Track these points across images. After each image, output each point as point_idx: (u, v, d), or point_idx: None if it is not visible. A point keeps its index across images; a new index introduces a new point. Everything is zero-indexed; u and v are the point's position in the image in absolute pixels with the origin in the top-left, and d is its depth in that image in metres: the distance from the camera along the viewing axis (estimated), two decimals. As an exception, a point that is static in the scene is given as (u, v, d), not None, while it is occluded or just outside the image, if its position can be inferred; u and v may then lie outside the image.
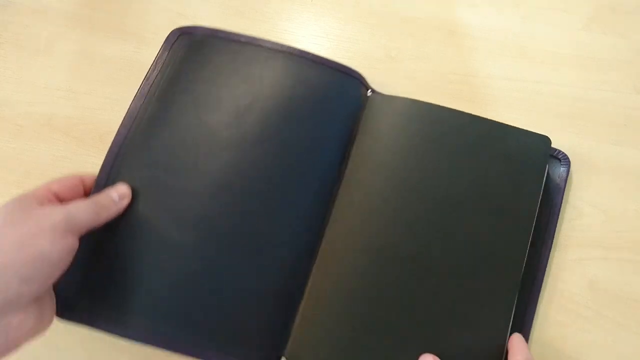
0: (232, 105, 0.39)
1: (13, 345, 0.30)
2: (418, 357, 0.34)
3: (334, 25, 0.50)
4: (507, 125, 0.40)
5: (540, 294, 0.39)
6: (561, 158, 0.42)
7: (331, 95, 0.41)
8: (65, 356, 0.40)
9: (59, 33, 0.50)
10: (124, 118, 0.39)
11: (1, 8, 0.52)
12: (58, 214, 0.32)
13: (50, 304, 0.33)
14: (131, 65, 0.48)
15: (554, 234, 0.40)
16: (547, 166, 0.40)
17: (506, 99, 0.46)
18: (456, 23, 0.49)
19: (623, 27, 0.47)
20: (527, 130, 0.40)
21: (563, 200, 0.42)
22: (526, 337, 0.37)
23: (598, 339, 0.38)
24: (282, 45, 0.42)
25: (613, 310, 0.39)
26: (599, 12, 0.48)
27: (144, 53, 0.49)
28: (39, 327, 0.32)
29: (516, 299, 0.36)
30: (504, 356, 0.35)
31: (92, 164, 0.44)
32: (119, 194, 0.36)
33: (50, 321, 0.33)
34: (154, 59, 0.42)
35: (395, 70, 0.46)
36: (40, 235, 0.30)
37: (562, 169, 0.41)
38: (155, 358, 0.40)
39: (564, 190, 0.41)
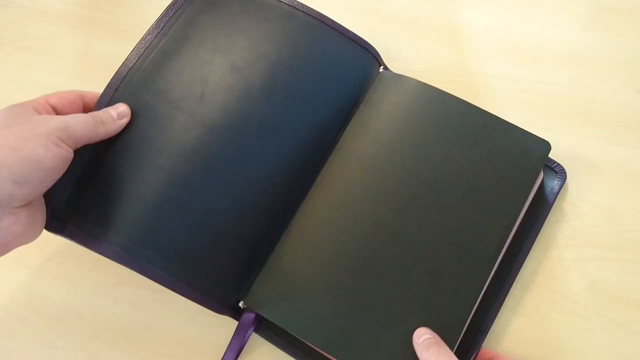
0: (245, 52, 0.40)
1: (1, 247, 0.31)
2: (373, 326, 0.35)
3: (334, 25, 0.50)
4: (510, 123, 0.40)
5: (540, 294, 0.39)
6: (558, 171, 0.42)
7: (343, 62, 0.42)
8: (65, 356, 0.40)
9: (59, 33, 0.51)
10: (137, 44, 0.39)
11: (1, 8, 0.52)
12: (55, 122, 0.32)
13: (42, 213, 0.33)
14: (131, 65, 0.48)
15: (534, 241, 0.40)
16: (542, 173, 0.40)
17: (506, 99, 0.46)
18: (456, 23, 0.49)
19: (623, 27, 0.47)
20: (529, 132, 0.40)
21: (563, 200, 0.42)
22: (487, 328, 0.37)
23: (598, 339, 0.38)
24: (307, 7, 0.43)
25: (613, 310, 0.39)
26: (599, 12, 0.48)
27: (144, 53, 0.49)
28: (29, 234, 0.32)
29: (481, 294, 0.36)
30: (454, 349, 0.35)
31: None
32: (118, 113, 0.36)
33: (40, 231, 0.33)
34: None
35: (395, 71, 0.46)
36: (35, 140, 0.30)
37: (555, 181, 0.41)
38: (156, 357, 0.40)
39: (552, 202, 0.41)
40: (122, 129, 0.36)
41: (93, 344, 0.40)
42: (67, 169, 0.33)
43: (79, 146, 0.34)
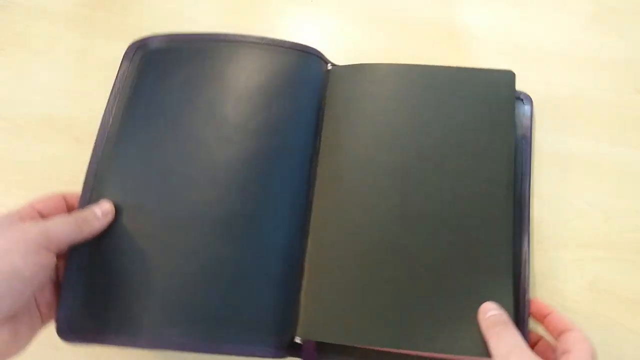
0: (199, 105, 0.40)
1: None
2: (430, 304, 0.35)
3: (333, 25, 0.50)
4: (470, 68, 0.41)
5: (540, 294, 0.39)
6: (523, 98, 0.43)
7: (294, 74, 0.42)
8: (65, 356, 0.40)
9: (59, 33, 0.50)
10: (97, 135, 0.40)
11: (1, 8, 0.52)
12: (34, 228, 0.31)
13: (28, 324, 0.32)
14: (131, 65, 0.48)
15: (530, 169, 0.40)
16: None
17: (506, 99, 0.45)
18: (456, 23, 0.49)
19: (623, 27, 0.47)
20: (490, 69, 0.41)
21: (562, 200, 0.42)
22: (525, 269, 0.37)
23: (598, 339, 0.38)
24: (236, 35, 0.42)
25: (613, 310, 0.39)
26: (599, 12, 0.48)
27: (144, 53, 0.49)
28: (12, 348, 0.31)
29: (512, 230, 0.36)
30: (512, 283, 0.35)
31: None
32: (102, 211, 0.36)
33: (27, 343, 0.32)
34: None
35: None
36: (13, 250, 0.30)
37: (526, 107, 0.43)
38: (155, 358, 0.40)
39: (531, 127, 0.42)
40: (108, 225, 0.36)
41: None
42: (73, 273, 0.34)
43: (63, 248, 0.34)
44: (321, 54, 0.44)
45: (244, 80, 0.41)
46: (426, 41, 0.48)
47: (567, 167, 0.42)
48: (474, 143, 0.38)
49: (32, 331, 0.33)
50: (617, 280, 0.39)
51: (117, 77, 0.42)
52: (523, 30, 0.48)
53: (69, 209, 0.37)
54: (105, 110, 0.40)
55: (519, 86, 0.45)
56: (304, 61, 0.43)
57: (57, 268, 0.35)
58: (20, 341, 0.32)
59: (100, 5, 0.51)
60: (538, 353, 0.34)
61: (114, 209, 0.37)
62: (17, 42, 0.50)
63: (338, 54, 0.48)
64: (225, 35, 0.42)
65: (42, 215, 0.35)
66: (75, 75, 0.49)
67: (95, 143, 0.39)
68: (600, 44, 0.47)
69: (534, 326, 0.37)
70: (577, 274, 0.40)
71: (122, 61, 0.42)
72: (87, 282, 0.36)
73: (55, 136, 0.46)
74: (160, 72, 0.42)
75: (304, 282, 0.37)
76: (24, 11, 0.52)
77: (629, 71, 0.46)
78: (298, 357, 0.36)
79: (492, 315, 0.33)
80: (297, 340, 0.36)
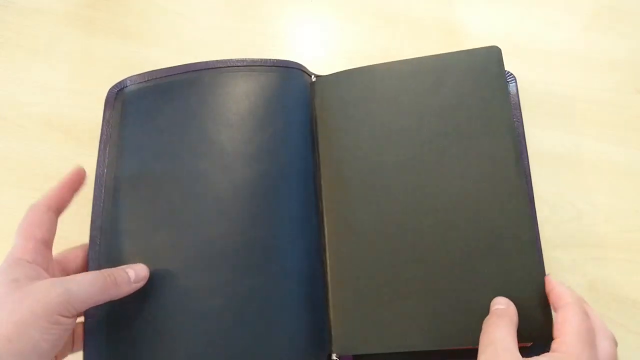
0: (192, 139, 0.39)
1: None
2: (455, 300, 0.34)
3: (333, 25, 0.50)
4: (455, 51, 0.41)
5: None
6: (507, 77, 0.43)
7: (281, 92, 0.41)
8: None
9: (59, 33, 0.51)
10: (94, 187, 0.39)
11: (1, 8, 0.52)
12: (56, 293, 0.29)
13: None
14: (131, 65, 0.48)
15: (526, 146, 0.40)
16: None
17: (506, 99, 0.46)
18: (456, 23, 0.49)
19: (623, 27, 0.47)
20: (475, 48, 0.40)
21: (562, 200, 0.42)
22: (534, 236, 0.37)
23: (598, 339, 0.38)
24: (215, 62, 0.41)
25: (613, 310, 0.39)
26: (599, 12, 0.48)
27: (143, 53, 0.49)
28: None
29: (528, 205, 0.36)
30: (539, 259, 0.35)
31: (91, 164, 0.43)
32: (137, 276, 0.34)
33: None
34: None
35: (395, 70, 0.46)
36: (31, 323, 0.28)
37: (511, 85, 0.43)
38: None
39: (518, 102, 0.42)
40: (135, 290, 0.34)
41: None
42: (94, 331, 0.34)
43: (84, 309, 0.32)
44: (303, 66, 0.43)
45: (232, 107, 0.40)
46: (426, 41, 0.48)
47: (567, 167, 0.42)
48: (474, 124, 0.38)
49: None
50: (617, 280, 0.39)
51: (102, 125, 0.41)
52: (523, 30, 0.48)
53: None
54: (97, 161, 0.39)
55: (520, 85, 0.46)
56: (289, 77, 0.42)
57: None
58: None
59: (100, 5, 0.51)
60: None
61: (148, 276, 0.35)
62: (17, 42, 0.50)
63: (338, 54, 0.49)
64: (205, 63, 0.41)
65: (47, 243, 0.33)
66: (75, 75, 0.49)
67: (94, 196, 0.38)
68: (600, 44, 0.47)
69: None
70: (577, 274, 0.40)
71: (104, 109, 0.41)
72: (111, 337, 0.35)
73: (55, 136, 0.46)
74: (144, 112, 0.40)
75: (330, 297, 0.37)
76: (24, 11, 0.52)
77: (629, 71, 0.46)
78: None
79: (496, 308, 0.33)
80: (334, 357, 0.36)
